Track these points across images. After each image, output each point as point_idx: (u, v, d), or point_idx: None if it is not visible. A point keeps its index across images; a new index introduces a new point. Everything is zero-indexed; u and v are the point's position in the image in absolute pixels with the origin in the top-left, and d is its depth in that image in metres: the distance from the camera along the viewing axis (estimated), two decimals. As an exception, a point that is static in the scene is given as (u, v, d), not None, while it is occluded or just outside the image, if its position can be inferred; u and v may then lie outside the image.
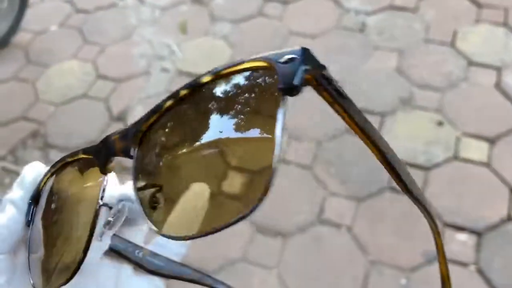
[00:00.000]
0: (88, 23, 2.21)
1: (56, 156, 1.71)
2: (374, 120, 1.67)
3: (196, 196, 0.25)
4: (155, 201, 0.26)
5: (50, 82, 1.98)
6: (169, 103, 0.27)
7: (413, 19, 2.00)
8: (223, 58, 1.95)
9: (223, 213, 0.23)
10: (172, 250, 0.38)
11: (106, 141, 0.29)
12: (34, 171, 0.33)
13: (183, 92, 0.26)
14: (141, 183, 0.27)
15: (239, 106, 0.24)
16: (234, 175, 0.24)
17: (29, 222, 0.32)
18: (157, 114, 0.27)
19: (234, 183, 0.24)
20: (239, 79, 0.25)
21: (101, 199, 0.29)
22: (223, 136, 0.24)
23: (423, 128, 1.65)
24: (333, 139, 1.63)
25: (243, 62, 0.24)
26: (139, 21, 2.19)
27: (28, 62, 2.07)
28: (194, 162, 0.26)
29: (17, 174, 1.71)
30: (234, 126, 0.24)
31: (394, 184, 0.29)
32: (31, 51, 2.11)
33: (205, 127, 0.25)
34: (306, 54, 0.23)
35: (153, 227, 0.26)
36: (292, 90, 0.22)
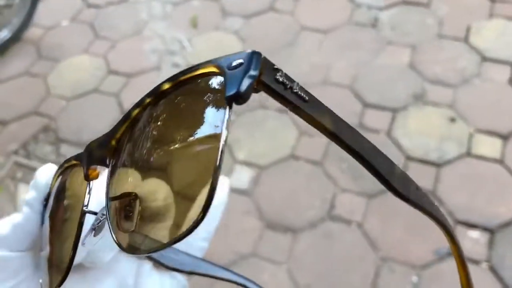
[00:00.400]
0: (99, 18, 2.21)
1: (67, 150, 1.72)
2: (386, 116, 1.66)
3: (160, 204, 0.24)
4: (129, 210, 0.26)
5: (61, 77, 1.99)
6: (136, 111, 0.26)
7: (426, 14, 1.99)
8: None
9: (179, 223, 0.23)
10: (194, 245, 0.38)
11: (87, 149, 0.29)
12: (47, 172, 0.33)
13: (147, 100, 0.26)
14: (115, 193, 0.27)
15: (192, 114, 0.23)
16: (194, 183, 0.23)
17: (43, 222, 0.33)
18: (127, 122, 0.27)
19: (190, 191, 0.23)
20: (193, 86, 0.24)
21: (86, 206, 0.29)
22: (181, 144, 0.24)
23: (436, 124, 1.63)
24: (344, 135, 1.62)
25: (198, 68, 0.23)
26: (150, 16, 2.19)
27: (40, 57, 2.08)
28: (163, 170, 0.25)
29: (28, 168, 1.70)
30: (188, 135, 0.23)
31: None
32: (42, 46, 2.12)
33: (166, 134, 0.25)
34: (254, 58, 0.21)
35: (115, 239, 0.26)
36: (238, 98, 0.20)
